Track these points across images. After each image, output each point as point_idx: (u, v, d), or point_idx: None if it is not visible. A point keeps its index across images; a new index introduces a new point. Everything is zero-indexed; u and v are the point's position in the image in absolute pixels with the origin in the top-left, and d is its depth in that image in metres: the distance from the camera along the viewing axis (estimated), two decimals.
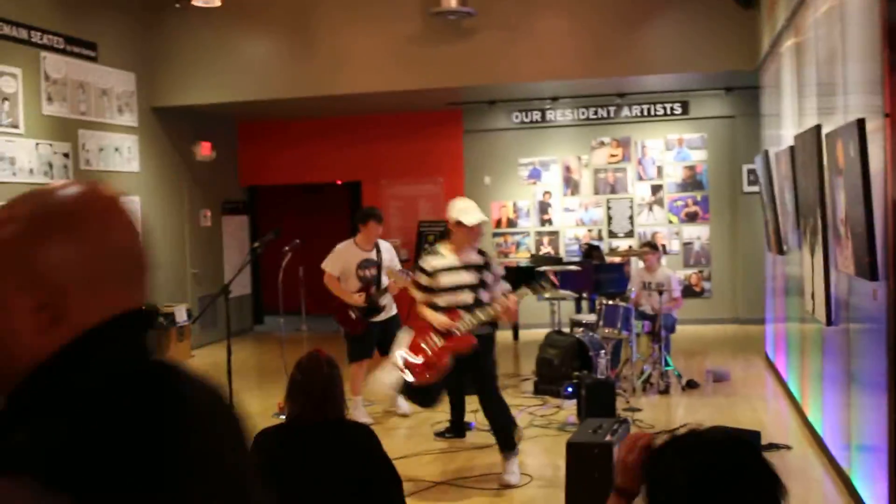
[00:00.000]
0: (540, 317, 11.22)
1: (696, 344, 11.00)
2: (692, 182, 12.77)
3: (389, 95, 11.45)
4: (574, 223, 13.05)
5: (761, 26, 9.57)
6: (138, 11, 11.24)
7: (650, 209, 12.86)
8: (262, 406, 8.23)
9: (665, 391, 8.32)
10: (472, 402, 6.72)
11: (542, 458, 6.53)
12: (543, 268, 9.39)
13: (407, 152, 13.45)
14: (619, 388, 7.93)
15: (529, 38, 10.66)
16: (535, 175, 13.13)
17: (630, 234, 12.86)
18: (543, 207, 13.03)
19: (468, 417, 7.14)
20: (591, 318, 8.99)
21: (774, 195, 8.24)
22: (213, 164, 12.81)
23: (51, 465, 1.05)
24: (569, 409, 7.72)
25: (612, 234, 12.93)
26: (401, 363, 6.02)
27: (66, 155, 9.97)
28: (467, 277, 5.97)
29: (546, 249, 13.01)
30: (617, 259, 11.37)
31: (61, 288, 1.16)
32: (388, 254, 7.79)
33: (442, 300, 5.96)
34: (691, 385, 8.55)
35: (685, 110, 12.71)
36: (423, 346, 5.97)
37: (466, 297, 5.94)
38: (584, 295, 10.45)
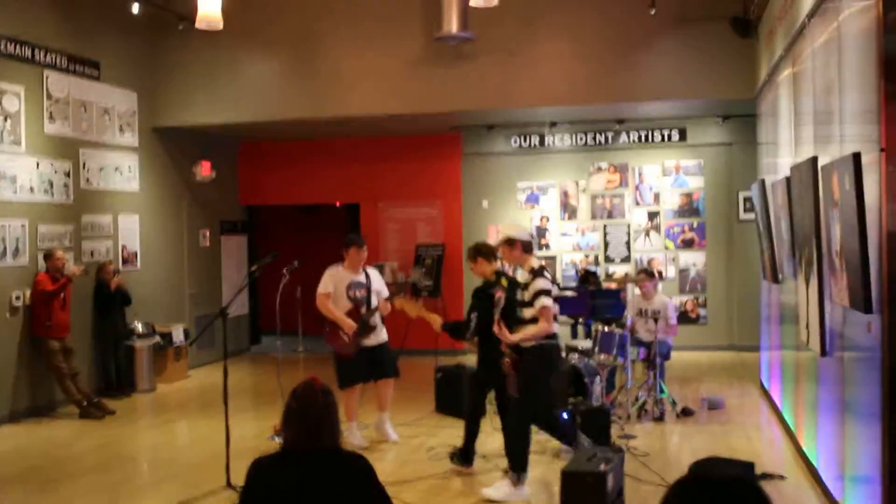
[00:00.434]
0: None
1: (692, 370, 11.01)
2: (689, 209, 12.83)
3: (389, 119, 11.53)
4: (571, 248, 13.09)
5: (759, 55, 9.65)
6: (142, 31, 11.31)
7: (647, 235, 12.91)
8: (257, 428, 8.22)
9: (660, 418, 8.32)
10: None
11: (536, 486, 6.51)
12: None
13: (406, 175, 13.51)
14: (614, 415, 7.94)
15: (529, 64, 10.74)
16: (532, 199, 13.19)
17: (627, 260, 12.90)
18: (541, 232, 13.07)
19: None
20: (587, 343, 9.01)
21: (770, 224, 8.26)
22: (212, 183, 12.85)
23: None
24: None
25: (608, 259, 12.97)
26: None
27: (67, 174, 10.01)
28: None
29: None
30: (613, 285, 11.37)
31: None
32: (377, 280, 7.90)
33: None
34: (686, 412, 8.55)
35: (683, 137, 12.79)
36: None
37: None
38: (580, 320, 10.46)
